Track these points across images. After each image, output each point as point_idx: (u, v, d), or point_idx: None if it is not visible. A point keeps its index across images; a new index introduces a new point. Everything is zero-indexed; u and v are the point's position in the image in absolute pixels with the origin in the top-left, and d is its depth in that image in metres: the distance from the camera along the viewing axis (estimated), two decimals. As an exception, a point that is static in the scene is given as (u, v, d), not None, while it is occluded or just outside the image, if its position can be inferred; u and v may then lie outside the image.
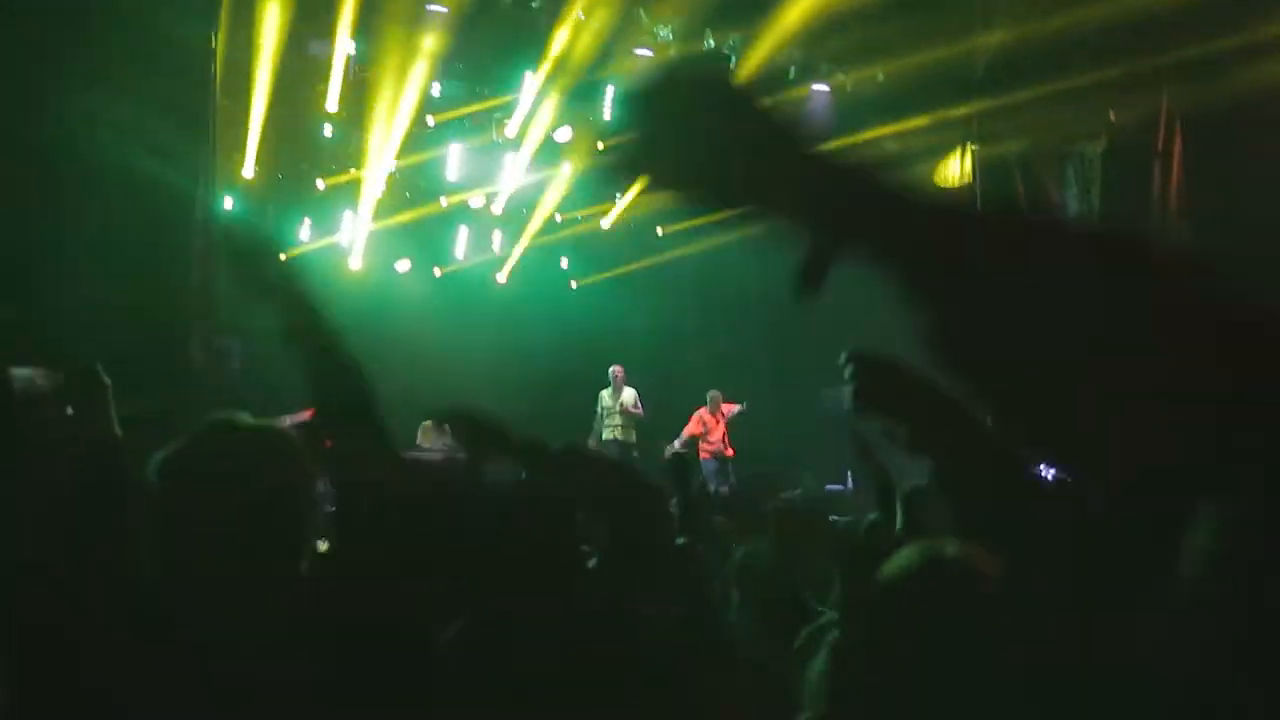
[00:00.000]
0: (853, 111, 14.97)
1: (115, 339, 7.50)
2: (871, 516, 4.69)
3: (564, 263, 18.17)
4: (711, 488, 13.14)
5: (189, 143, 10.17)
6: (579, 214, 17.43)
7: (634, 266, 17.74)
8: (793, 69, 14.91)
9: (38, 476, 2.91)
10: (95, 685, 2.00)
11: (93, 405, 2.54)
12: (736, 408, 14.63)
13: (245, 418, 2.19)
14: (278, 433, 2.18)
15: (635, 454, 14.00)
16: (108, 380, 2.59)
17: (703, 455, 14.20)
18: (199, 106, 10.40)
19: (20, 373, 2.58)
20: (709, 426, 14.45)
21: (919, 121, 14.45)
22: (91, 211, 9.13)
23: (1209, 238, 12.67)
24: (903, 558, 1.88)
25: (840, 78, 15.11)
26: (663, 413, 15.20)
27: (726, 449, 14.48)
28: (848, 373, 2.27)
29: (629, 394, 14.49)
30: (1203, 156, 12.80)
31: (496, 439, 2.74)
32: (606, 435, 14.28)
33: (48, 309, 8.21)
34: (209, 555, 2.02)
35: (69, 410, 2.57)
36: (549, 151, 15.90)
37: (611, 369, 14.64)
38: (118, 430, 2.56)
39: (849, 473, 12.71)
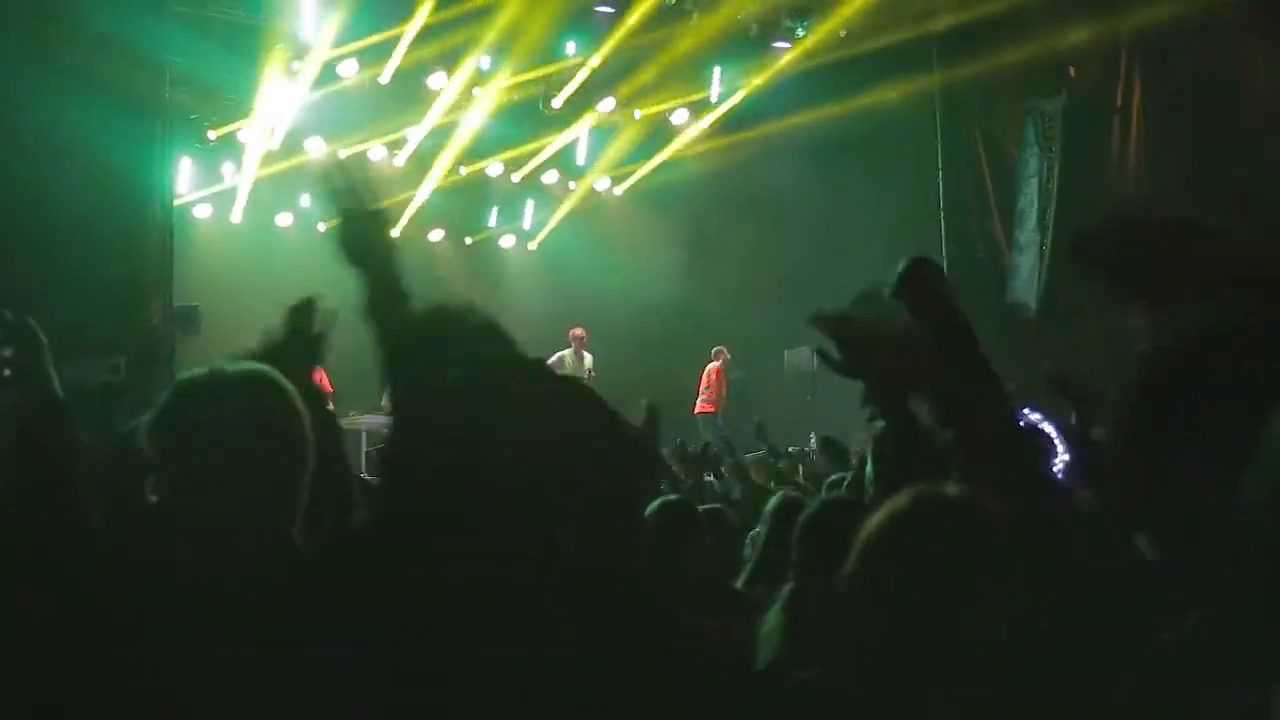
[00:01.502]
0: (815, 68, 14.97)
1: (73, 306, 7.44)
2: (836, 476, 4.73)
3: (526, 222, 18.10)
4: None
5: (141, 107, 10.07)
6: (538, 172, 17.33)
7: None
8: (754, 26, 14.83)
9: None
10: (47, 658, 1.98)
11: (30, 366, 2.45)
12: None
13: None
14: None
15: None
16: (44, 338, 2.49)
17: (716, 410, 14.38)
18: (149, 67, 10.28)
19: None
20: (713, 382, 14.56)
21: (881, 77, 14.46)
22: (45, 176, 9.03)
23: (1170, 192, 12.77)
24: (899, 500, 1.86)
25: (801, 33, 15.02)
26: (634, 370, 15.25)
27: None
28: (826, 331, 2.28)
29: (590, 358, 14.39)
30: (1163, 111, 12.87)
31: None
32: None
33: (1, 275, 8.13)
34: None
35: (5, 372, 2.48)
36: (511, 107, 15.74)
37: (570, 330, 14.54)
38: (58, 390, 2.47)
39: (811, 435, 12.79)
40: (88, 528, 2.27)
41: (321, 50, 13.53)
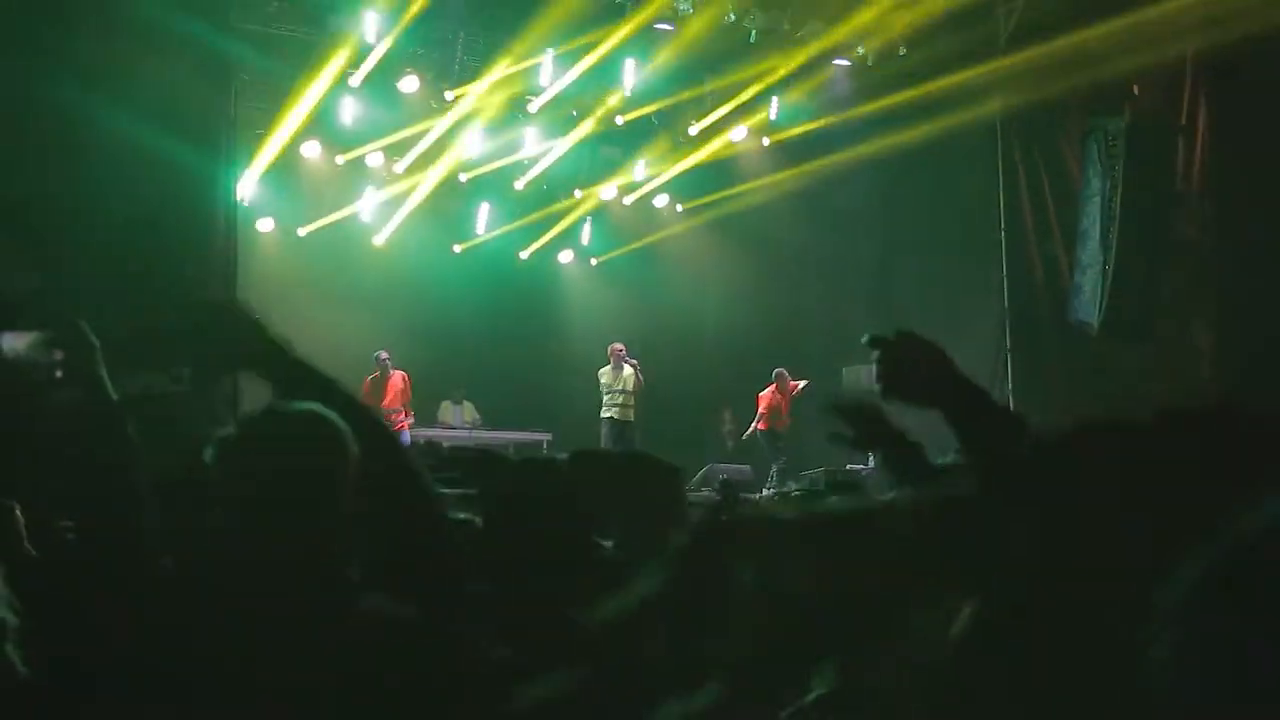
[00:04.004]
0: (873, 87, 14.93)
1: (138, 313, 7.56)
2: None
3: (585, 237, 18.11)
4: (772, 468, 13.90)
5: (208, 119, 10.23)
6: (598, 189, 17.39)
7: (651, 239, 17.74)
8: (814, 43, 14.80)
9: (35, 447, 2.86)
10: (105, 657, 2.00)
11: (81, 368, 2.43)
12: (802, 384, 14.72)
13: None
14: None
15: (634, 433, 14.09)
16: (95, 340, 2.47)
17: (763, 427, 14.47)
18: (217, 77, 10.44)
19: (10, 341, 2.50)
20: (774, 403, 14.51)
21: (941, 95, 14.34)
22: (115, 186, 9.18)
23: (1233, 213, 12.59)
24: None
25: (860, 52, 14.99)
26: (679, 386, 15.29)
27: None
28: (874, 355, 2.26)
29: (628, 370, 14.41)
30: (1228, 129, 12.68)
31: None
32: (604, 414, 14.33)
33: (66, 284, 8.26)
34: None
35: (58, 375, 2.45)
36: (569, 125, 15.83)
37: (610, 346, 14.62)
38: (111, 393, 2.45)
39: (870, 456, 12.71)
40: (144, 543, 2.29)
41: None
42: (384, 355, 14.17)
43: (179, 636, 1.96)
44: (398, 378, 14.20)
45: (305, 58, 13.58)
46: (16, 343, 2.41)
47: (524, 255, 17.95)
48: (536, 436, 14.72)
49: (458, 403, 15.31)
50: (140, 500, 2.31)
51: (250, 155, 14.23)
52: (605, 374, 14.38)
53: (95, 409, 2.39)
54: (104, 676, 1.95)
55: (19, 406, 2.46)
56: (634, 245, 17.82)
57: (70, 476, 2.45)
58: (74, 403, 2.38)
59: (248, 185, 14.50)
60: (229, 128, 10.88)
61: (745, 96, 15.55)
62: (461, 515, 3.44)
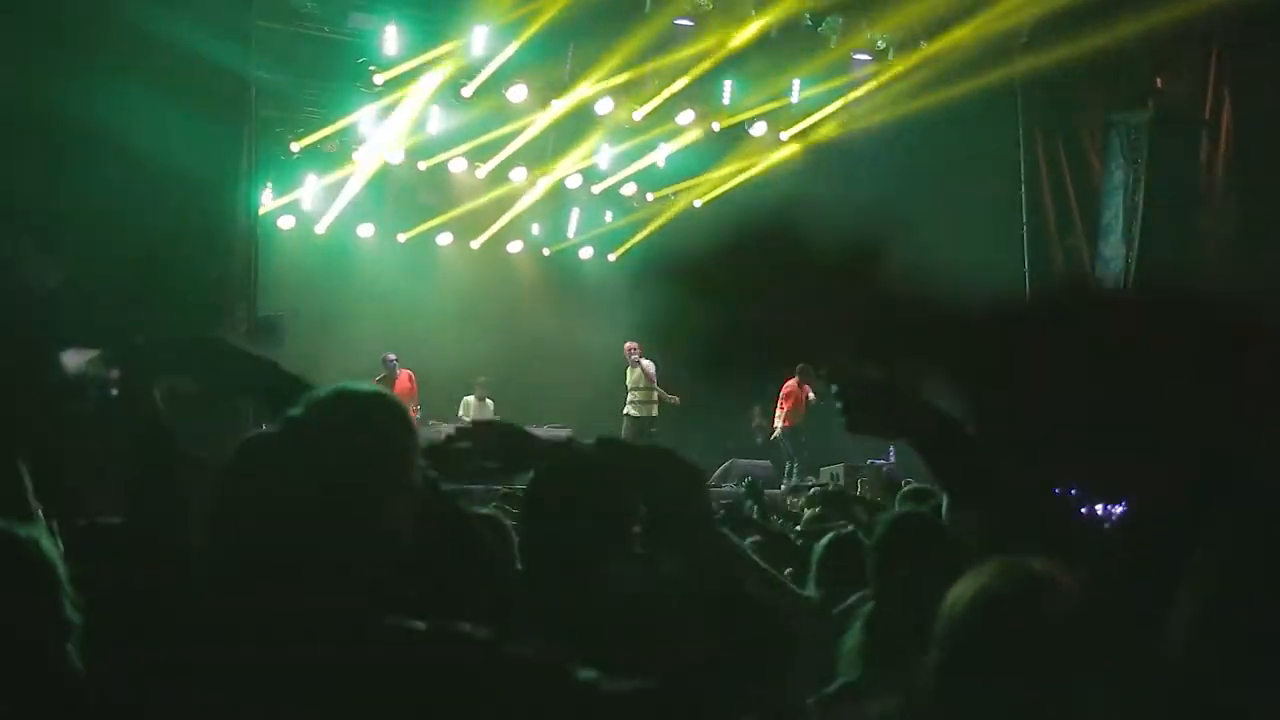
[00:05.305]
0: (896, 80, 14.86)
1: (159, 313, 7.61)
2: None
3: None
4: (789, 465, 14.16)
5: (227, 121, 10.24)
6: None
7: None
8: (834, 37, 14.72)
9: (87, 462, 2.93)
10: (151, 662, 2.03)
11: (134, 384, 2.49)
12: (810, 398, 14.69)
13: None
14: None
15: (653, 429, 14.23)
16: (153, 358, 2.54)
17: (788, 424, 14.56)
18: (237, 81, 10.46)
19: (71, 358, 2.57)
20: (798, 398, 14.54)
21: (963, 88, 14.25)
22: (135, 184, 9.22)
23: (1258, 207, 12.51)
24: (984, 573, 1.84)
25: (882, 45, 14.90)
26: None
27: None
28: (837, 398, 2.24)
29: (648, 366, 14.43)
30: (1253, 122, 12.60)
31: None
32: (624, 410, 14.54)
33: (88, 288, 8.31)
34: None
35: (113, 391, 2.52)
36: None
37: (625, 345, 14.69)
38: (162, 408, 2.52)
39: (891, 449, 12.69)
40: (191, 548, 2.33)
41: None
42: (391, 357, 14.50)
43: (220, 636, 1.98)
44: (405, 377, 14.49)
45: (326, 58, 13.60)
46: (77, 358, 2.47)
47: (546, 252, 18.00)
48: (557, 431, 14.73)
49: (481, 399, 15.31)
50: (184, 511, 2.36)
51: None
52: (627, 373, 14.56)
53: (146, 425, 2.46)
54: (158, 675, 1.98)
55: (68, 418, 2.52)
56: (644, 236, 17.83)
57: (119, 489, 2.51)
58: (127, 417, 2.44)
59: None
60: (249, 131, 10.89)
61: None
62: (483, 510, 3.46)
